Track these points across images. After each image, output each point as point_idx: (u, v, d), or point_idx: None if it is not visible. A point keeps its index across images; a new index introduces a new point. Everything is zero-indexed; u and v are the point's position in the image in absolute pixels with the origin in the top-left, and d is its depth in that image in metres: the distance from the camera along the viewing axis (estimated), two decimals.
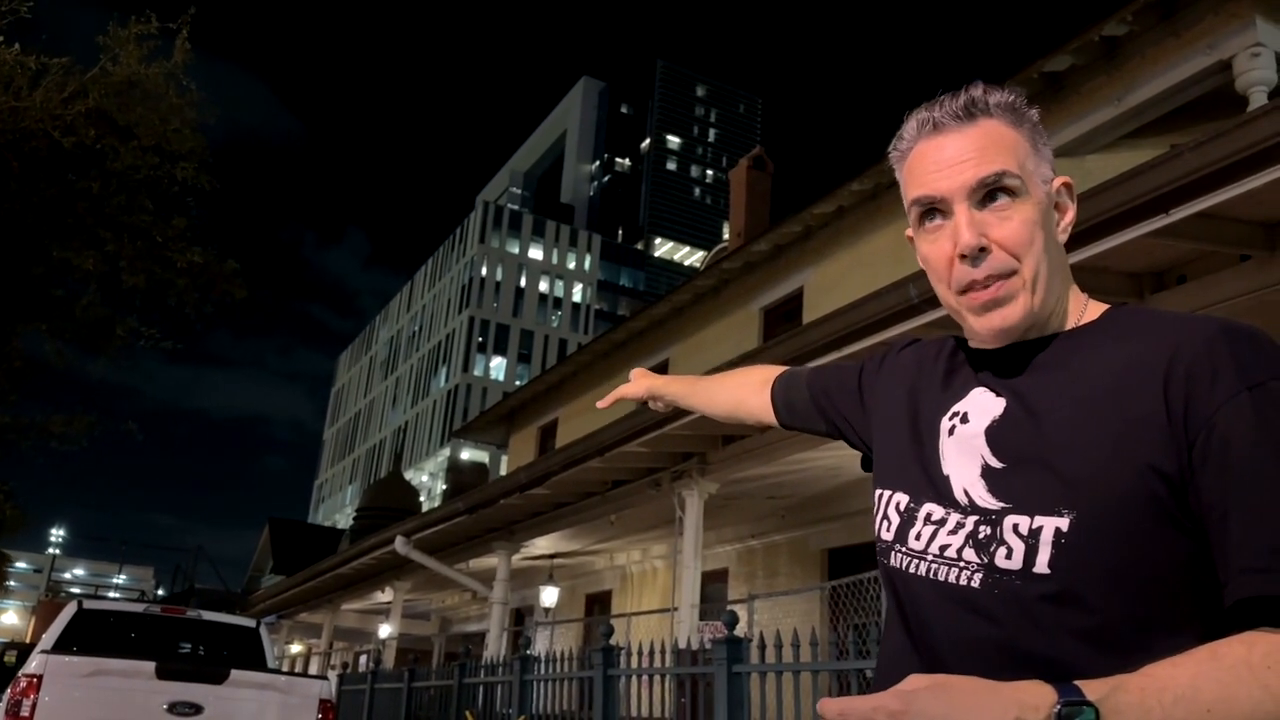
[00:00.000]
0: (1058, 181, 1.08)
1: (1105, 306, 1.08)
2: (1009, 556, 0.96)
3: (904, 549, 1.06)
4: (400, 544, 13.13)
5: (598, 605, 15.57)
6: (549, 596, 14.61)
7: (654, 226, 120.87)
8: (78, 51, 12.10)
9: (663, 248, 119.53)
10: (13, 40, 11.43)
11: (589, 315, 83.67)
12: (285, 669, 17.28)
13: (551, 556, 14.06)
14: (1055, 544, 0.94)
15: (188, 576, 47.24)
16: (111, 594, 69.63)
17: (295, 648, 27.61)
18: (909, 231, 1.13)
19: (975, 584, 0.97)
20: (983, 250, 1.02)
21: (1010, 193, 1.03)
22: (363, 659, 23.48)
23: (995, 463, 1.01)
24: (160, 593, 59.40)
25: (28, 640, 19.80)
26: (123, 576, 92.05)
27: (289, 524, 45.09)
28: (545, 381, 19.92)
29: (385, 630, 17.70)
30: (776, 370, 1.55)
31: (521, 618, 17.09)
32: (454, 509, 12.07)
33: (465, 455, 54.71)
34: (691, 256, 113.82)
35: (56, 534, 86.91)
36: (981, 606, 0.96)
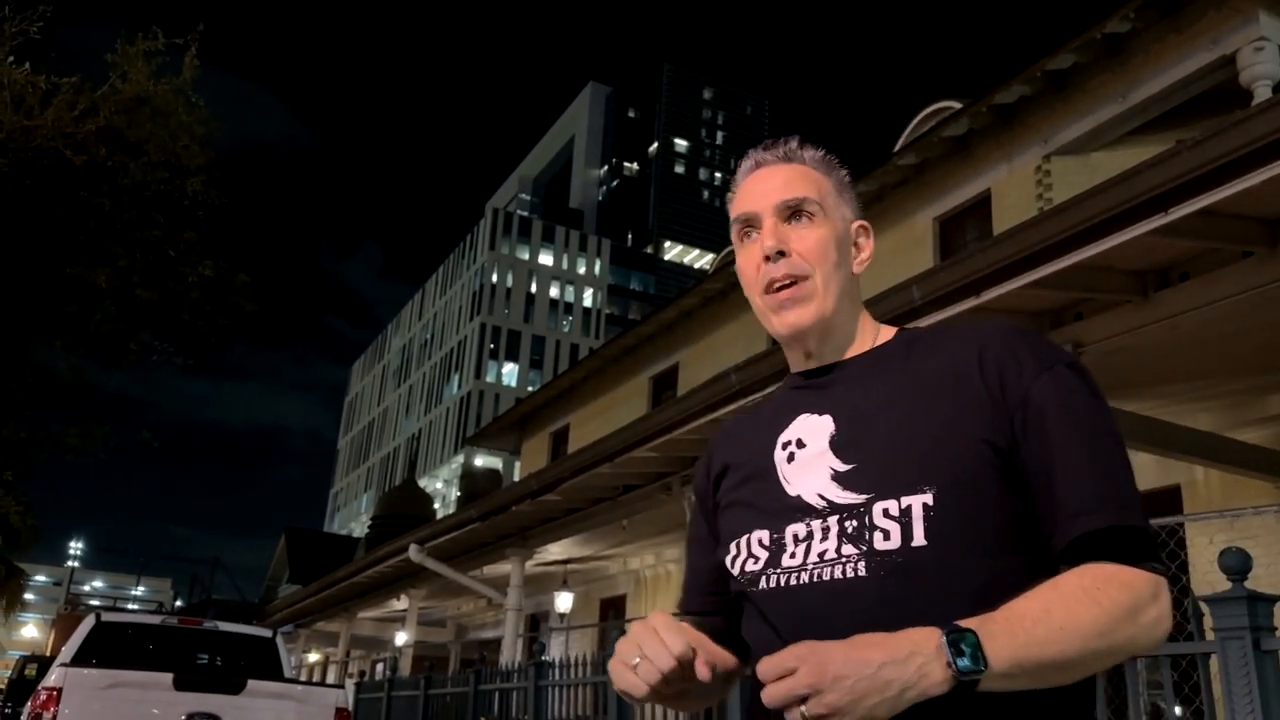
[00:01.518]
0: (856, 224, 1.30)
1: (895, 330, 1.28)
2: (887, 538, 1.06)
3: (778, 569, 1.13)
4: (414, 552, 13.19)
5: (612, 610, 15.59)
6: (563, 602, 14.64)
7: (663, 230, 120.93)
8: (87, 68, 12.23)
9: (672, 251, 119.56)
10: (23, 60, 11.56)
11: (600, 320, 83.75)
12: (302, 678, 17.36)
13: (565, 562, 14.10)
14: (925, 517, 1.06)
15: (205, 587, 47.48)
16: (130, 606, 69.96)
17: (313, 656, 27.71)
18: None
19: (862, 572, 1.06)
20: (781, 254, 1.21)
21: (810, 215, 1.23)
22: (379, 667, 23.56)
23: (843, 466, 1.12)
24: (178, 604, 59.69)
25: (47, 653, 19.95)
26: (141, 588, 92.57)
27: (305, 533, 45.27)
28: (556, 387, 19.98)
29: (401, 638, 17.76)
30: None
31: (536, 623, 17.12)
32: (467, 516, 12.12)
33: (479, 462, 54.83)
34: (701, 259, 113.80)
35: (75, 547, 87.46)
36: (870, 592, 1.05)
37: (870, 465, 1.11)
